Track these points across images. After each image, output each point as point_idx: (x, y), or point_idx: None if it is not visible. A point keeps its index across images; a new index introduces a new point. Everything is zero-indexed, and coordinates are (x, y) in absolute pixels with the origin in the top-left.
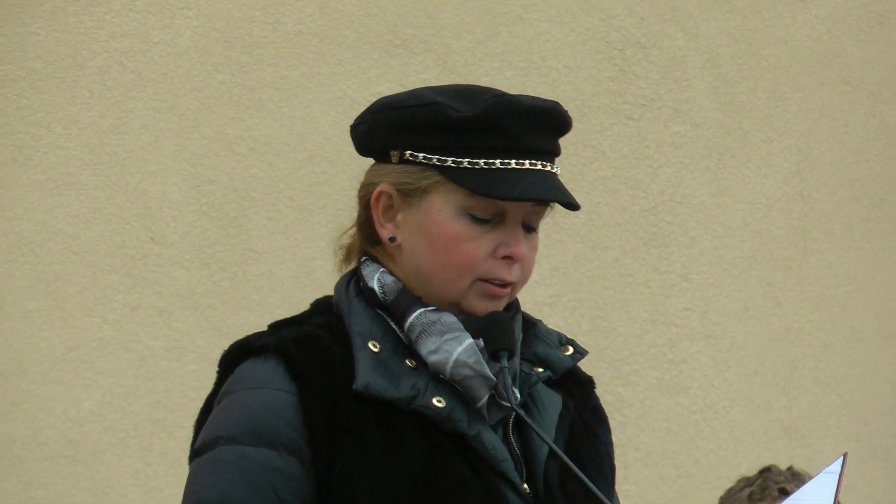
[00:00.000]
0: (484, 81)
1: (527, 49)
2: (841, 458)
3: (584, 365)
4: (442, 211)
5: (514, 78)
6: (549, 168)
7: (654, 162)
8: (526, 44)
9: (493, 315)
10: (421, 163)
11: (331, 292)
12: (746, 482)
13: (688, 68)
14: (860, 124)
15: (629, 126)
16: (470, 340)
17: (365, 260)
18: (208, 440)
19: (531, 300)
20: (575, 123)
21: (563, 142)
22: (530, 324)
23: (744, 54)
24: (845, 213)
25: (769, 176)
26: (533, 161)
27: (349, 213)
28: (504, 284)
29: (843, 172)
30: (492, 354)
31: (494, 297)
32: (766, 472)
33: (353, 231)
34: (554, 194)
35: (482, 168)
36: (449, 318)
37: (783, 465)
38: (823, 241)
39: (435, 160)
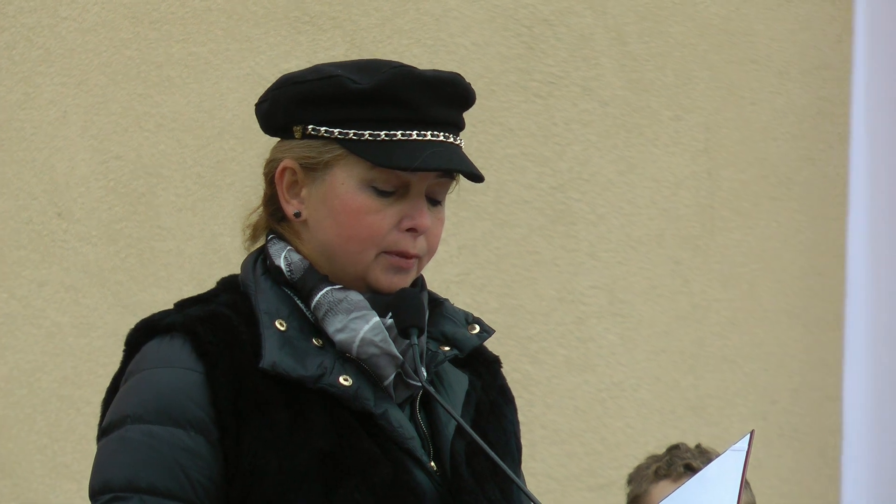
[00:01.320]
0: (392, 58)
1: (434, 26)
2: (748, 436)
3: (492, 342)
4: (345, 184)
5: (422, 55)
6: (451, 139)
7: (562, 140)
8: (434, 21)
9: (403, 292)
10: (323, 137)
11: (238, 270)
12: (654, 459)
13: (595, 46)
14: (767, 102)
15: (537, 103)
16: (376, 319)
17: (272, 238)
18: (115, 419)
19: (438, 278)
20: (482, 101)
21: (471, 119)
22: (437, 302)
23: (651, 32)
24: (753, 191)
25: (677, 154)
26: (435, 132)
27: (257, 189)
28: (409, 256)
29: (750, 151)
30: (402, 331)
31: (400, 270)
32: (673, 449)
33: (260, 209)
34: (456, 164)
35: (383, 140)
36: (356, 297)
37: (691, 444)
38: (731, 220)
39: (336, 133)
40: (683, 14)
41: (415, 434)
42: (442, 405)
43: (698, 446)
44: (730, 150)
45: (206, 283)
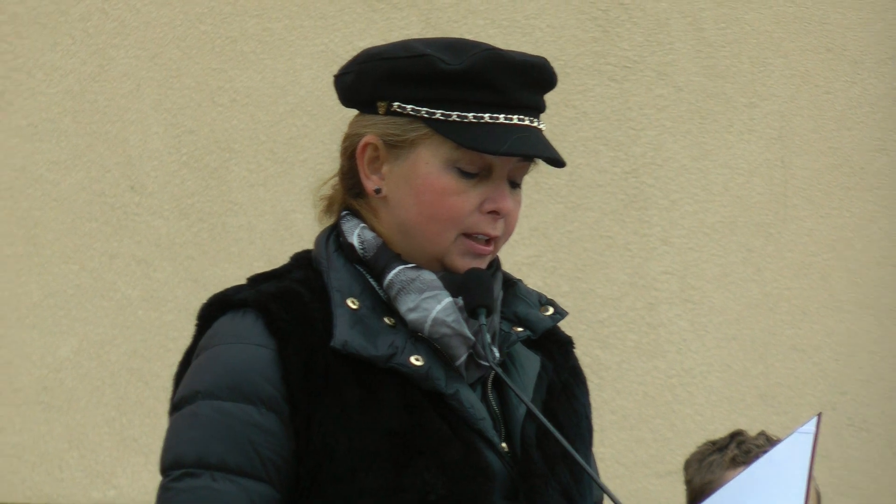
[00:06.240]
0: (466, 38)
1: (510, 7)
2: (815, 419)
3: (563, 326)
4: (429, 164)
5: (497, 36)
6: (535, 124)
7: (636, 124)
8: (510, 2)
9: (472, 272)
10: (409, 115)
11: (310, 245)
12: (716, 446)
13: (671, 31)
14: (842, 91)
15: (611, 87)
16: (449, 299)
17: (345, 214)
18: (186, 394)
19: (510, 260)
20: (557, 83)
21: (546, 103)
22: (511, 283)
23: (727, 18)
24: (826, 180)
25: (751, 141)
26: (521, 116)
27: (330, 166)
28: (488, 241)
29: (824, 139)
30: (470, 312)
31: (478, 255)
32: (738, 435)
33: (334, 182)
34: (542, 150)
35: (471, 122)
36: (428, 276)
37: (756, 431)
38: (804, 208)
39: (423, 112)
40: (759, 1)
41: (486, 415)
42: (512, 389)
43: (763, 433)
44: (804, 139)
45: (277, 259)
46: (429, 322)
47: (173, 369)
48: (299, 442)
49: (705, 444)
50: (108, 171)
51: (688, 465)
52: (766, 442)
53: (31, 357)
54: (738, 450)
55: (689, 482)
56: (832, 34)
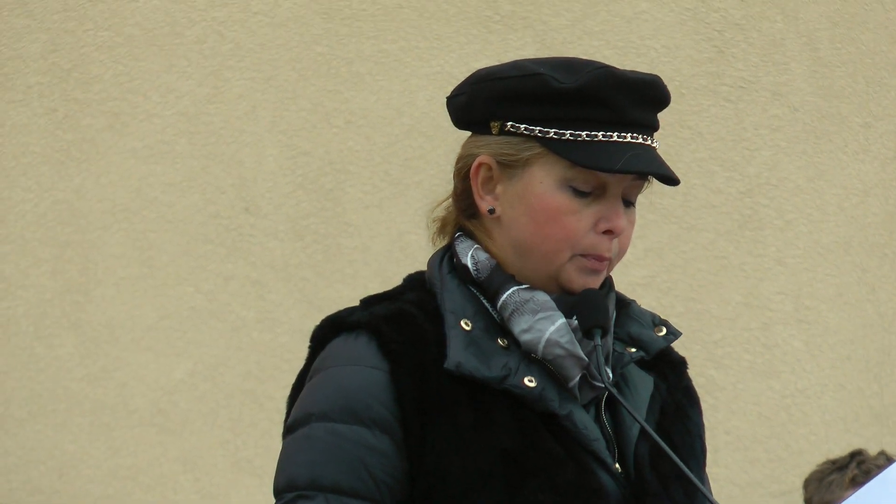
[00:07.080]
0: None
1: (625, 28)
2: None
3: (677, 346)
4: (543, 183)
5: (612, 57)
6: (649, 142)
7: (751, 144)
8: (625, 23)
9: (586, 293)
10: (522, 134)
11: (424, 267)
12: (836, 465)
13: (787, 51)
14: None
15: (726, 108)
16: (562, 320)
17: (459, 235)
18: (300, 417)
19: (624, 280)
20: (672, 104)
21: (660, 122)
22: (624, 303)
23: (843, 38)
24: None
25: (866, 161)
26: (635, 134)
27: (445, 188)
28: (603, 259)
29: None
30: (585, 332)
31: (593, 272)
32: (858, 455)
33: (447, 203)
34: (656, 167)
35: (584, 140)
36: (542, 297)
37: (873, 452)
38: None
39: (537, 131)
40: (875, 21)
41: (599, 435)
42: (625, 408)
43: (883, 453)
44: None
45: (392, 281)
46: (542, 343)
47: (287, 391)
48: (412, 463)
49: (825, 463)
50: (223, 192)
51: (807, 483)
52: (887, 461)
53: (145, 379)
54: (859, 469)
55: (808, 500)
56: None
